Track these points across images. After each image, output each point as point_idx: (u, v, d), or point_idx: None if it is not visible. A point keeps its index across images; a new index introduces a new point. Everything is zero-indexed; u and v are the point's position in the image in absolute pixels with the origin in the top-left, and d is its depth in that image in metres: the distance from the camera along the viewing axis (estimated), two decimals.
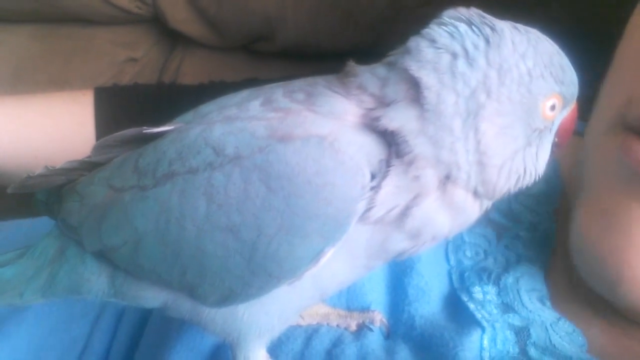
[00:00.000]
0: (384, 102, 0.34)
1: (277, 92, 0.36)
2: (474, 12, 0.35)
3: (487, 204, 0.37)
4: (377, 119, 0.34)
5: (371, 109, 0.34)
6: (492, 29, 0.34)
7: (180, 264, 0.36)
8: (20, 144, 0.66)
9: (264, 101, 0.36)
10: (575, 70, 0.37)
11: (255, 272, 0.34)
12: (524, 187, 0.37)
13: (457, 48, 0.34)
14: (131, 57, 0.97)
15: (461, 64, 0.34)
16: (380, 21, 0.86)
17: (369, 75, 0.35)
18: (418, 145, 0.33)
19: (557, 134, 0.38)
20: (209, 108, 0.38)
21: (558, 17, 0.79)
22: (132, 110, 0.73)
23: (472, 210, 0.36)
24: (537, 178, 0.37)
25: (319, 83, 0.36)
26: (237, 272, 0.34)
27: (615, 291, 0.41)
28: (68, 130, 0.70)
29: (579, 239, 0.43)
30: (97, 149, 0.40)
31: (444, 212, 0.35)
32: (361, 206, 0.33)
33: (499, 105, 0.34)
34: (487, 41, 0.34)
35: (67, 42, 0.97)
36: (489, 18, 0.35)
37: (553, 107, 0.36)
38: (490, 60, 0.34)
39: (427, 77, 0.33)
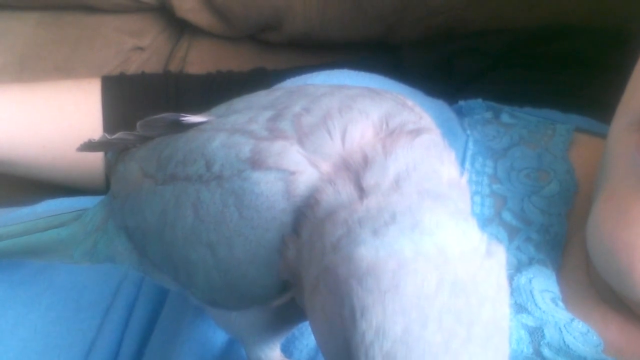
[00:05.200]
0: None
1: (295, 107, 0.34)
2: None
3: None
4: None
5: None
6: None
7: (173, 264, 0.36)
8: (27, 132, 0.66)
9: (273, 116, 0.34)
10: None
11: (230, 290, 0.34)
12: None
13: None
14: (138, 46, 0.97)
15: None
16: (390, 12, 0.85)
17: None
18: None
19: None
20: (239, 106, 0.37)
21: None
22: (140, 99, 0.73)
23: None
24: None
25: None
26: (216, 286, 0.34)
27: (627, 283, 0.41)
28: (75, 119, 0.70)
29: (595, 231, 0.43)
30: (141, 126, 0.40)
31: None
32: None
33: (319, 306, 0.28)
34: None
35: (73, 30, 0.97)
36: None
37: None
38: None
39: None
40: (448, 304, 0.24)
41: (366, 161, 0.30)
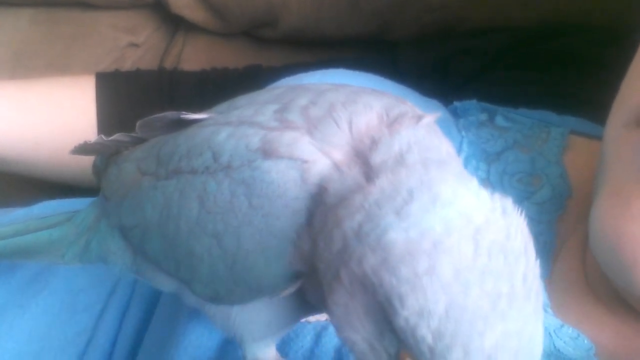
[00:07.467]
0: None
1: (301, 100, 0.34)
2: None
3: None
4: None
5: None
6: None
7: (175, 259, 0.36)
8: (21, 129, 0.66)
9: (280, 108, 0.34)
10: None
11: (236, 282, 0.34)
12: None
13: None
14: (132, 42, 0.96)
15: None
16: (386, 9, 0.85)
17: None
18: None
19: None
20: (241, 102, 0.37)
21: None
22: (134, 96, 0.73)
23: None
24: None
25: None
26: (221, 278, 0.34)
27: (630, 278, 0.41)
28: (69, 116, 0.69)
29: (598, 226, 0.43)
30: (140, 127, 0.40)
31: None
32: None
33: (355, 282, 0.27)
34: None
35: (67, 26, 0.96)
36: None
37: None
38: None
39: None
40: (487, 268, 0.25)
41: (374, 143, 0.31)
